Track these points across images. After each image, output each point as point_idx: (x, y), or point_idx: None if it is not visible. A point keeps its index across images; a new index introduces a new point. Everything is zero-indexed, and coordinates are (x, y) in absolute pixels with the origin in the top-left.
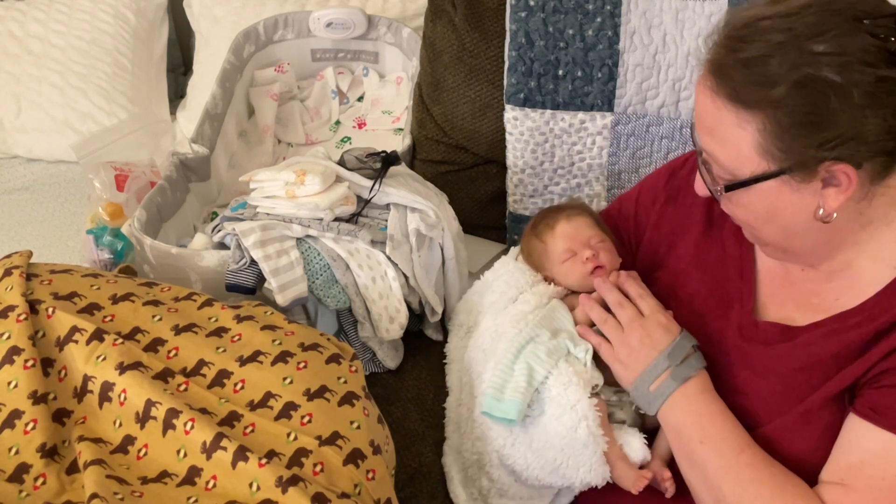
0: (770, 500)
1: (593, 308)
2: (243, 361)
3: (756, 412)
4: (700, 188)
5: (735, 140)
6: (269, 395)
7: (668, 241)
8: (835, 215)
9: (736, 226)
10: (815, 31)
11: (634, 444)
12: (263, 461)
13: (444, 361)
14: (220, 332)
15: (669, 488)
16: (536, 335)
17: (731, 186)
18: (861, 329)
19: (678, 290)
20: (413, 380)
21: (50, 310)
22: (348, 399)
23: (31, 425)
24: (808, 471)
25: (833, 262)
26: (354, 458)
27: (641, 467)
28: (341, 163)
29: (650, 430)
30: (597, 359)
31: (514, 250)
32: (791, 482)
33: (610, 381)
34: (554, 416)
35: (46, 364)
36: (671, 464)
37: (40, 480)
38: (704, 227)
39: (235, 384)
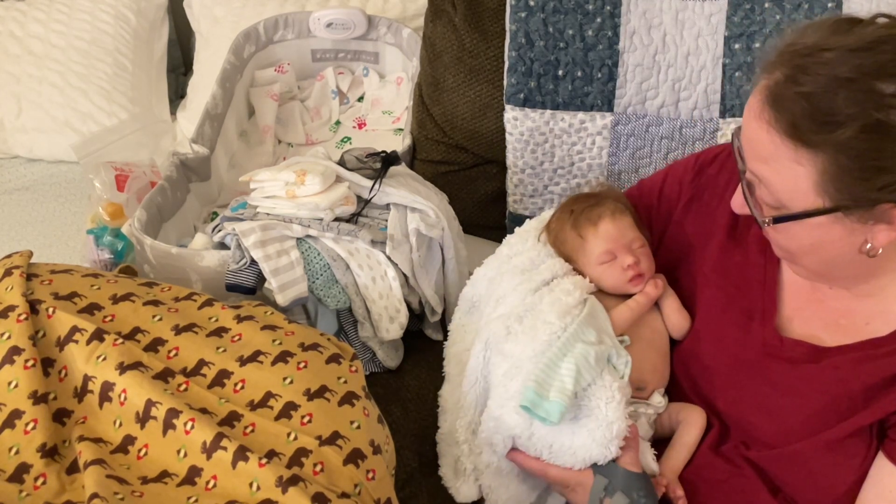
0: None
1: None
2: (243, 361)
3: (777, 431)
4: (740, 207)
5: (791, 174)
6: (269, 395)
7: (690, 242)
8: (881, 250)
9: (761, 234)
10: (887, 71)
11: (643, 461)
12: (263, 461)
13: (445, 343)
14: (220, 332)
15: None
16: (584, 334)
17: (780, 219)
18: (893, 358)
19: (698, 295)
20: (413, 380)
21: (50, 310)
22: (348, 399)
23: (31, 425)
24: (826, 496)
25: (867, 287)
26: (354, 457)
27: None
28: (341, 163)
29: (663, 439)
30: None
31: (528, 225)
32: None
33: None
34: (588, 429)
35: (47, 364)
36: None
37: (40, 480)
38: (729, 232)
39: (235, 384)
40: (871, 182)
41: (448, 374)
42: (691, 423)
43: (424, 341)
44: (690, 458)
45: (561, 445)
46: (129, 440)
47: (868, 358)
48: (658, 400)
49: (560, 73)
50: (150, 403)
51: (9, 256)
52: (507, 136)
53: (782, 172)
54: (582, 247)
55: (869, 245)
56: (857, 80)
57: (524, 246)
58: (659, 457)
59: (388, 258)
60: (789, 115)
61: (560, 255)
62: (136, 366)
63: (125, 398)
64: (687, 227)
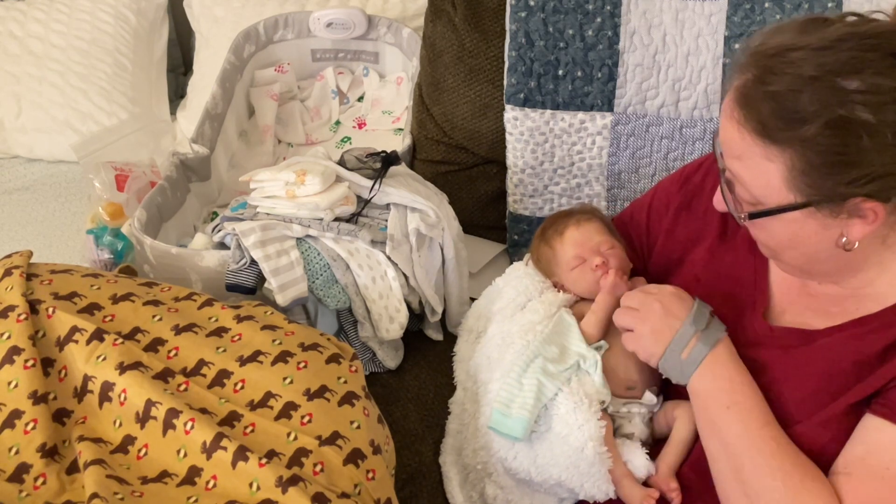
0: (789, 476)
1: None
2: (243, 361)
3: (776, 417)
4: (719, 204)
5: (762, 171)
6: (269, 395)
7: (682, 248)
8: (857, 244)
9: (750, 234)
10: (849, 68)
11: (637, 462)
12: (263, 461)
13: (452, 362)
14: (220, 331)
15: (676, 499)
16: (545, 350)
17: (756, 214)
18: (881, 334)
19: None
20: (413, 380)
21: (50, 310)
22: (348, 399)
23: (31, 425)
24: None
25: (854, 281)
26: (354, 457)
27: (646, 481)
28: (341, 163)
29: (660, 439)
30: (605, 372)
31: (527, 257)
32: (810, 466)
33: (618, 393)
34: (560, 435)
35: (46, 364)
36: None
37: (40, 480)
38: (719, 234)
39: (235, 384)
40: (839, 176)
41: (459, 381)
42: (686, 420)
43: (424, 341)
44: (688, 454)
45: (543, 458)
46: (128, 440)
47: (857, 335)
48: (650, 398)
49: (560, 72)
50: (149, 403)
51: (9, 256)
52: (507, 135)
53: (754, 169)
54: (554, 257)
55: (844, 239)
56: (820, 77)
57: (515, 274)
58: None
59: (388, 258)
60: (757, 113)
61: (542, 272)
62: (136, 366)
63: (125, 398)
64: (677, 234)
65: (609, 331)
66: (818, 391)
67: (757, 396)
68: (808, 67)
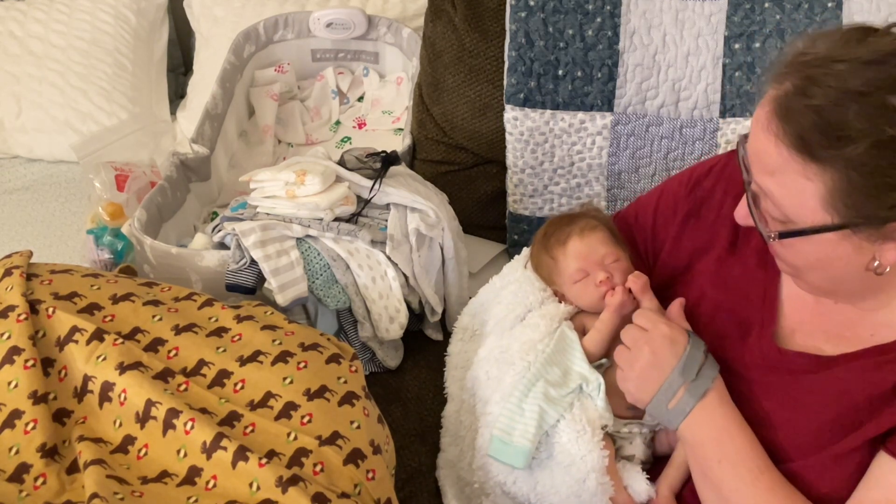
0: None
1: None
2: (243, 361)
3: (783, 447)
4: (743, 219)
5: (798, 189)
6: (269, 395)
7: (689, 257)
8: (888, 269)
9: (761, 246)
10: None
11: (637, 487)
12: (263, 461)
13: (444, 369)
14: (220, 332)
15: None
16: (547, 372)
17: (786, 234)
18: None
19: (695, 310)
20: (413, 380)
21: (50, 310)
22: (348, 399)
23: (31, 425)
24: None
25: (873, 301)
26: (354, 457)
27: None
28: (341, 163)
29: (661, 456)
30: (606, 391)
31: (525, 252)
32: None
33: (619, 413)
34: (562, 465)
35: (47, 364)
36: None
37: (40, 480)
38: (728, 245)
39: (235, 384)
40: (882, 200)
41: (450, 395)
42: None
43: (424, 341)
44: (689, 476)
45: (543, 486)
46: (128, 440)
47: (872, 366)
48: (651, 418)
49: (560, 72)
50: (149, 403)
51: (9, 256)
52: (507, 135)
53: (789, 186)
54: (556, 268)
55: (877, 263)
56: (869, 94)
57: (514, 276)
58: (657, 477)
59: (388, 258)
60: (798, 127)
61: (542, 279)
62: (136, 366)
63: (125, 398)
64: (684, 241)
65: (611, 348)
66: (830, 423)
67: (749, 445)
68: (855, 81)
